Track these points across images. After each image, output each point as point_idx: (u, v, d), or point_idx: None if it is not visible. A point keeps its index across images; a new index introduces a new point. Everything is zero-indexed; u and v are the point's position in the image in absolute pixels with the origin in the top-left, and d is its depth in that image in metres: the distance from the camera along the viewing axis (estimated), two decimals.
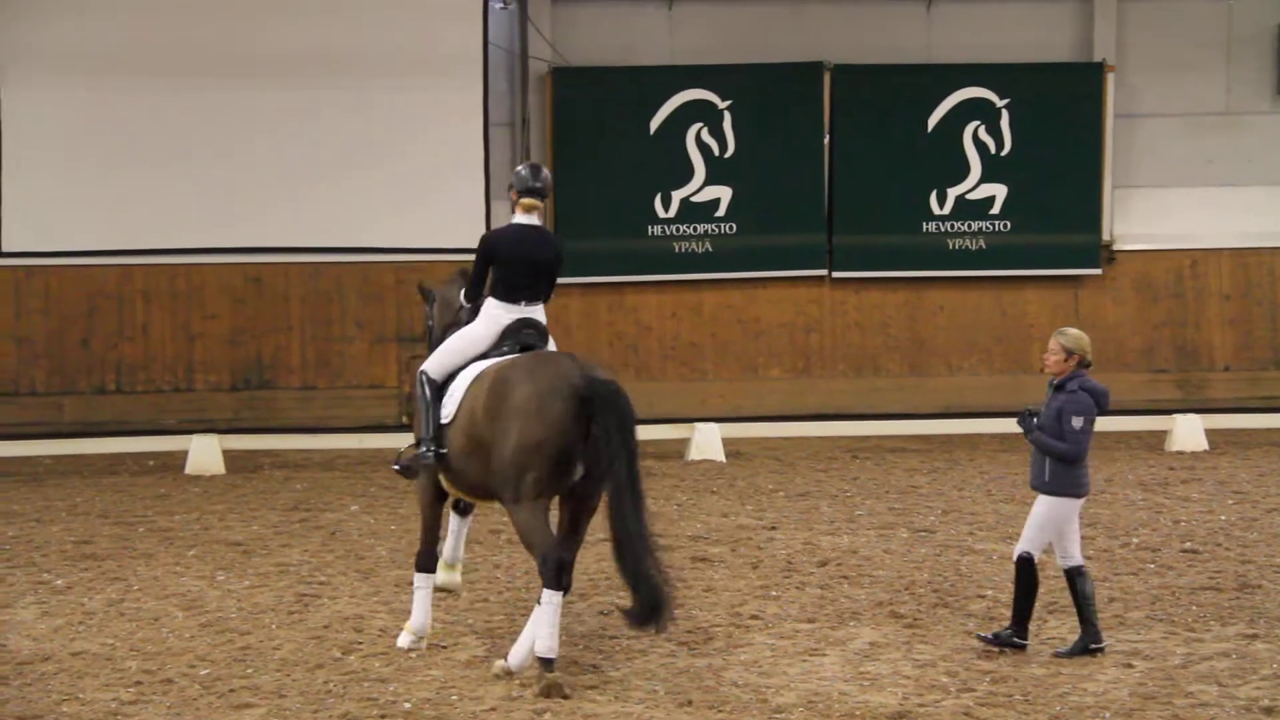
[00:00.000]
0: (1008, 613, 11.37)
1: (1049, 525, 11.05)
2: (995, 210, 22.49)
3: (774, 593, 12.88)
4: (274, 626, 11.95)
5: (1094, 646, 11.01)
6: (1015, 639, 11.12)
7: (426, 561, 11.54)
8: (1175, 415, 20.35)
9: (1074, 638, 11.37)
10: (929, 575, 13.40)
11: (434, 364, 11.42)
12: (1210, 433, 20.06)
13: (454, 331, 11.53)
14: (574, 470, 10.50)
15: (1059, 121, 22.41)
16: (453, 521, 12.00)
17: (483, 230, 21.38)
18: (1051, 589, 12.77)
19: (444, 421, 11.09)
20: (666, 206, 22.12)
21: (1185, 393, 22.67)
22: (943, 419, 20.90)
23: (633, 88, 22.10)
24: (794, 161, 22.24)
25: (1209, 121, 22.93)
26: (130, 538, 15.32)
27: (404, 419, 21.92)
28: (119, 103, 21.10)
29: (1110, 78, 22.47)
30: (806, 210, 22.29)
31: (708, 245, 22.23)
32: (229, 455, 19.29)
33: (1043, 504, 11.05)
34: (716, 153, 22.21)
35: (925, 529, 15.35)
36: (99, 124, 21.10)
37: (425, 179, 21.54)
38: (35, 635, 11.77)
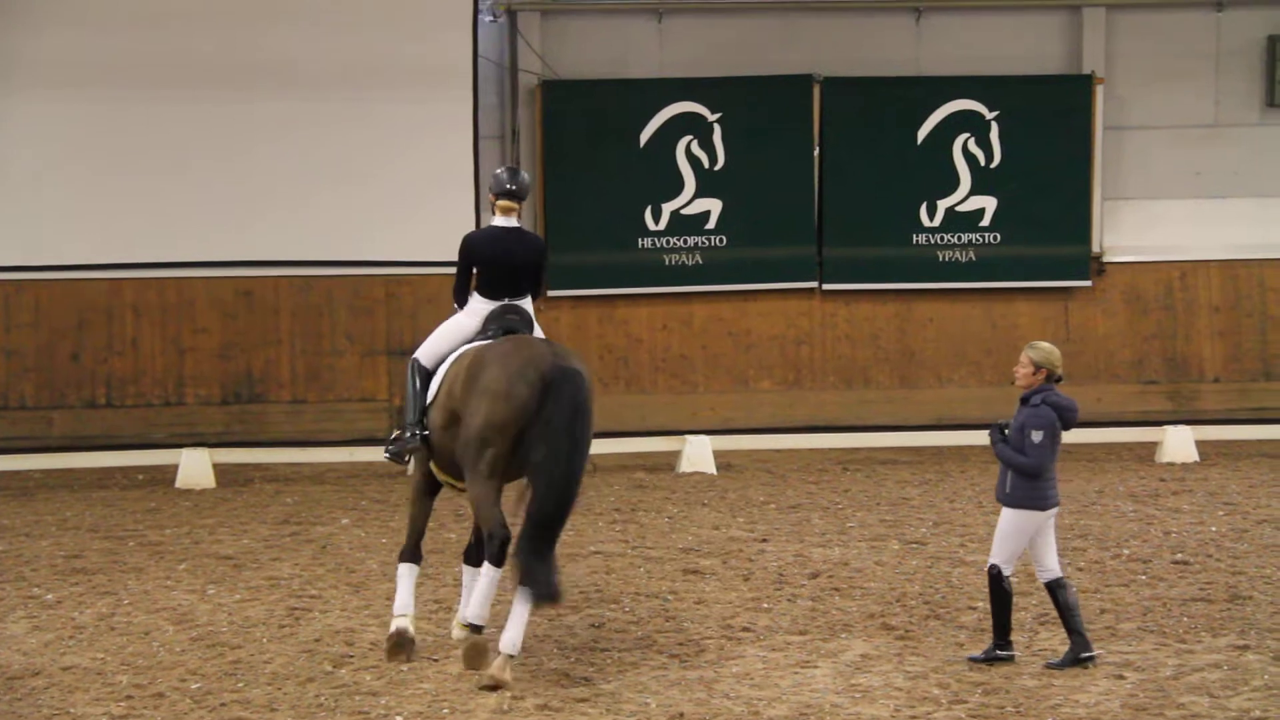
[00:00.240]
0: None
1: (1012, 537, 11.07)
2: (985, 222, 22.49)
3: (765, 605, 12.88)
4: (265, 640, 11.93)
5: (1084, 656, 11.01)
6: (999, 652, 11.13)
7: (411, 555, 11.80)
8: (1165, 427, 20.36)
9: (1065, 649, 11.37)
10: (920, 587, 13.41)
11: (424, 351, 11.92)
12: (1200, 444, 20.07)
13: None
14: (536, 452, 10.85)
15: (1048, 133, 22.43)
16: (465, 575, 11.91)
17: None
18: (1042, 600, 12.78)
19: (428, 403, 11.63)
20: (657, 219, 22.12)
21: (1175, 404, 22.68)
22: (933, 431, 20.89)
23: (622, 100, 22.10)
24: (784, 174, 22.24)
25: (1198, 133, 22.96)
26: (120, 552, 15.29)
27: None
28: (108, 116, 21.07)
29: (1099, 90, 22.49)
30: (797, 223, 22.29)
31: (698, 258, 22.23)
32: (219, 469, 19.26)
33: (1005, 516, 11.11)
34: (706, 165, 22.21)
35: (916, 541, 15.35)
36: (88, 137, 21.06)
37: (415, 192, 21.52)
38: (25, 650, 11.74)
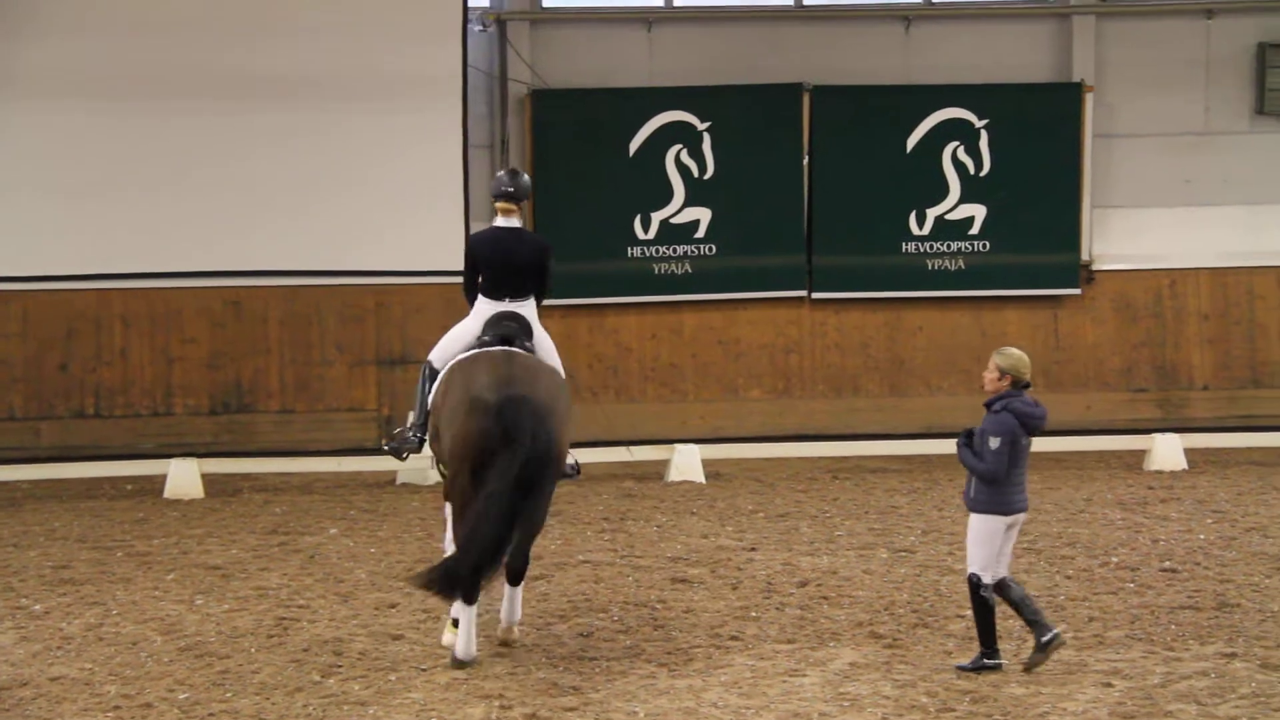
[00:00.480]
0: None
1: (981, 543, 11.10)
2: (974, 230, 22.52)
3: (754, 614, 12.87)
4: (253, 650, 11.92)
5: (1047, 640, 11.01)
6: (987, 661, 11.13)
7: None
8: (1154, 434, 20.37)
9: (1053, 656, 11.38)
10: (909, 595, 13.41)
11: (436, 353, 12.26)
12: (1189, 452, 20.08)
13: None
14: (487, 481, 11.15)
15: (1038, 142, 22.45)
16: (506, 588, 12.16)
17: (460, 252, 21.43)
18: None
19: (429, 407, 11.98)
20: (646, 228, 22.13)
21: (1164, 412, 22.70)
22: (922, 439, 20.87)
23: (612, 109, 22.11)
24: (773, 183, 22.25)
25: (1188, 141, 22.99)
26: (108, 562, 15.27)
27: (383, 442, 21.87)
28: (96, 127, 21.03)
29: (1089, 98, 22.51)
30: (786, 231, 22.30)
31: (687, 267, 22.23)
32: (208, 479, 19.24)
33: (971, 522, 11.17)
34: (696, 174, 22.22)
35: (905, 549, 15.35)
36: (76, 148, 21.02)
37: (404, 202, 21.50)
38: (13, 660, 11.72)
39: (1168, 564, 14.44)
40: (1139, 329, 22.95)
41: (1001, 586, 11.15)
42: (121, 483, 19.79)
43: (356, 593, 13.82)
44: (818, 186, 22.30)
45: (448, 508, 12.02)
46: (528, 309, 12.06)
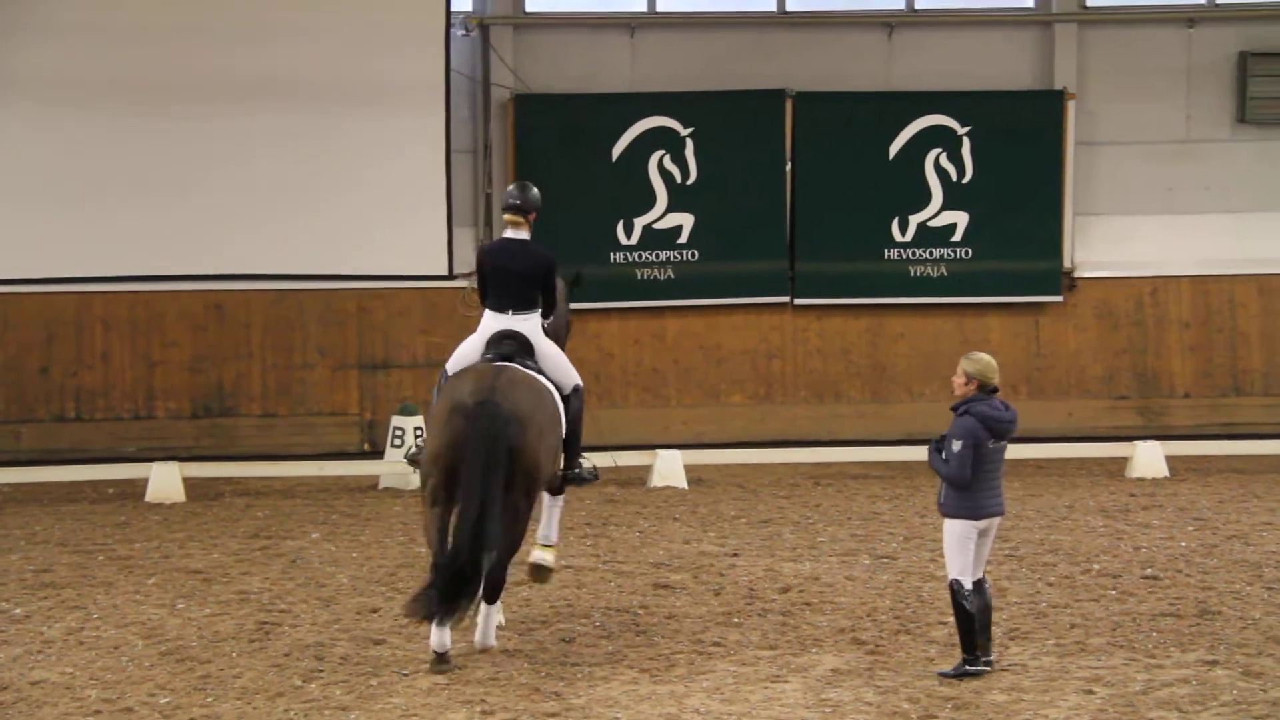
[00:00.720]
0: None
1: (956, 548, 11.17)
2: (957, 237, 22.55)
3: (736, 620, 12.87)
4: (234, 654, 11.89)
5: (972, 667, 11.11)
6: (969, 667, 11.15)
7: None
8: (1136, 442, 20.39)
9: (1035, 663, 11.42)
10: (891, 602, 13.41)
11: (450, 363, 12.45)
12: (1171, 459, 20.11)
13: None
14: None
15: (1020, 149, 22.50)
16: (545, 499, 12.66)
17: (444, 256, 21.56)
18: (1013, 615, 12.83)
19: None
20: (629, 233, 22.14)
21: (1146, 419, 22.75)
22: (904, 445, 20.87)
23: (595, 115, 22.11)
24: (756, 189, 22.28)
25: (1169, 149, 23.05)
26: (89, 566, 15.22)
27: (365, 446, 21.88)
28: (77, 131, 21.00)
29: (1071, 105, 22.56)
30: (768, 237, 22.33)
31: (670, 272, 22.25)
32: (189, 483, 19.18)
33: (945, 528, 11.26)
34: (679, 180, 22.24)
35: (887, 555, 15.36)
36: (57, 152, 20.99)
37: (387, 206, 21.50)
38: None
39: (1149, 571, 14.46)
40: (1120, 336, 23.00)
41: (974, 588, 11.19)
42: (103, 486, 19.72)
43: (338, 597, 13.79)
44: (800, 193, 22.33)
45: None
46: (530, 322, 12.29)
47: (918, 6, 22.91)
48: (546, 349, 12.37)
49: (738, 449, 21.13)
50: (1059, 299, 22.79)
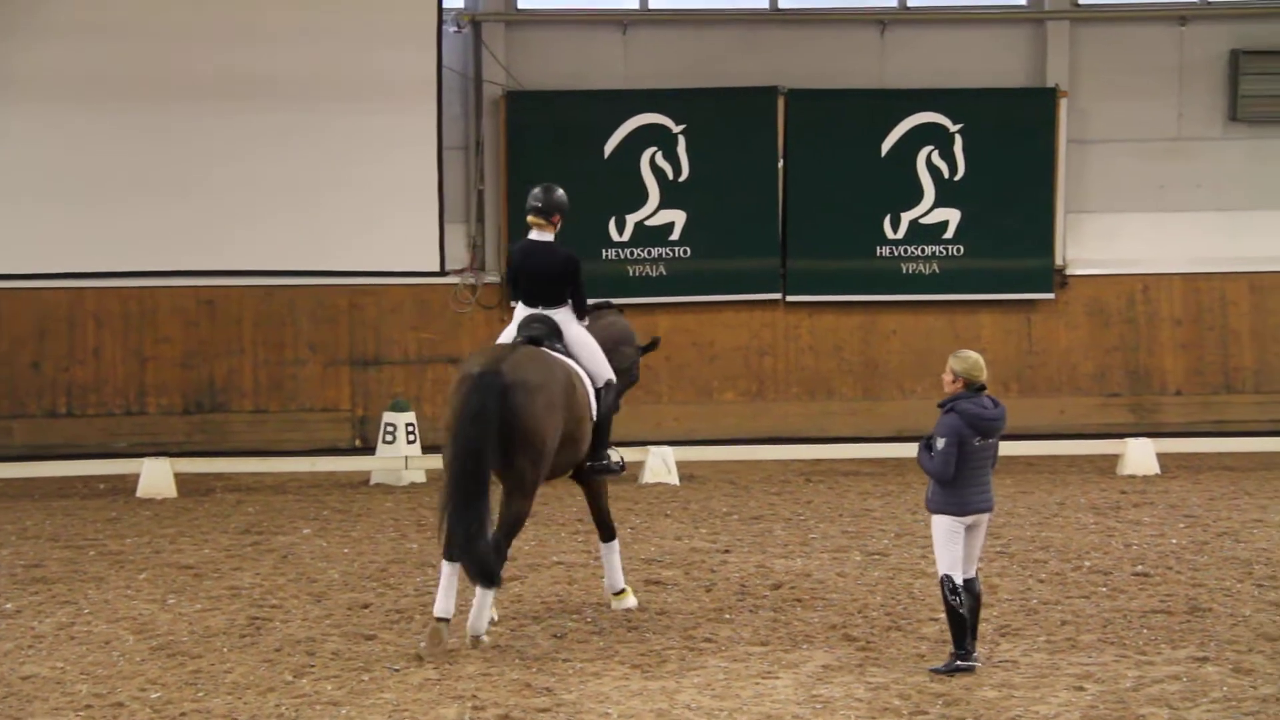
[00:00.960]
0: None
1: (944, 543, 11.22)
2: (949, 235, 22.56)
3: (727, 616, 12.88)
4: (225, 650, 11.89)
5: (962, 663, 11.15)
6: (959, 662, 11.17)
7: None
8: (1127, 439, 20.39)
9: (1026, 660, 11.43)
10: (882, 598, 13.43)
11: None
12: (1162, 456, 20.12)
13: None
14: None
15: (1012, 146, 22.50)
16: (601, 547, 13.18)
17: (435, 253, 21.56)
18: (1004, 611, 12.84)
19: None
20: (621, 230, 22.13)
21: (1137, 416, 22.77)
22: (896, 443, 20.87)
23: (587, 111, 22.10)
24: (748, 186, 22.27)
25: (1161, 147, 23.05)
26: (80, 561, 15.21)
27: (356, 442, 21.88)
28: (70, 128, 20.98)
29: (1063, 103, 22.57)
30: (761, 234, 22.32)
31: (662, 269, 22.25)
32: (180, 478, 19.17)
33: (932, 523, 11.32)
34: (671, 177, 22.24)
35: (878, 552, 15.37)
36: (50, 148, 20.98)
37: (379, 202, 21.49)
38: None
39: (1140, 568, 14.48)
40: (1112, 334, 23.02)
41: (965, 585, 11.22)
42: (94, 482, 19.72)
43: (329, 593, 13.79)
44: (792, 190, 22.33)
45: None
46: (559, 315, 12.71)
47: (910, 4, 22.90)
48: (580, 338, 12.76)
49: (729, 445, 21.13)
50: (1051, 296, 22.80)
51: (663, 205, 22.22)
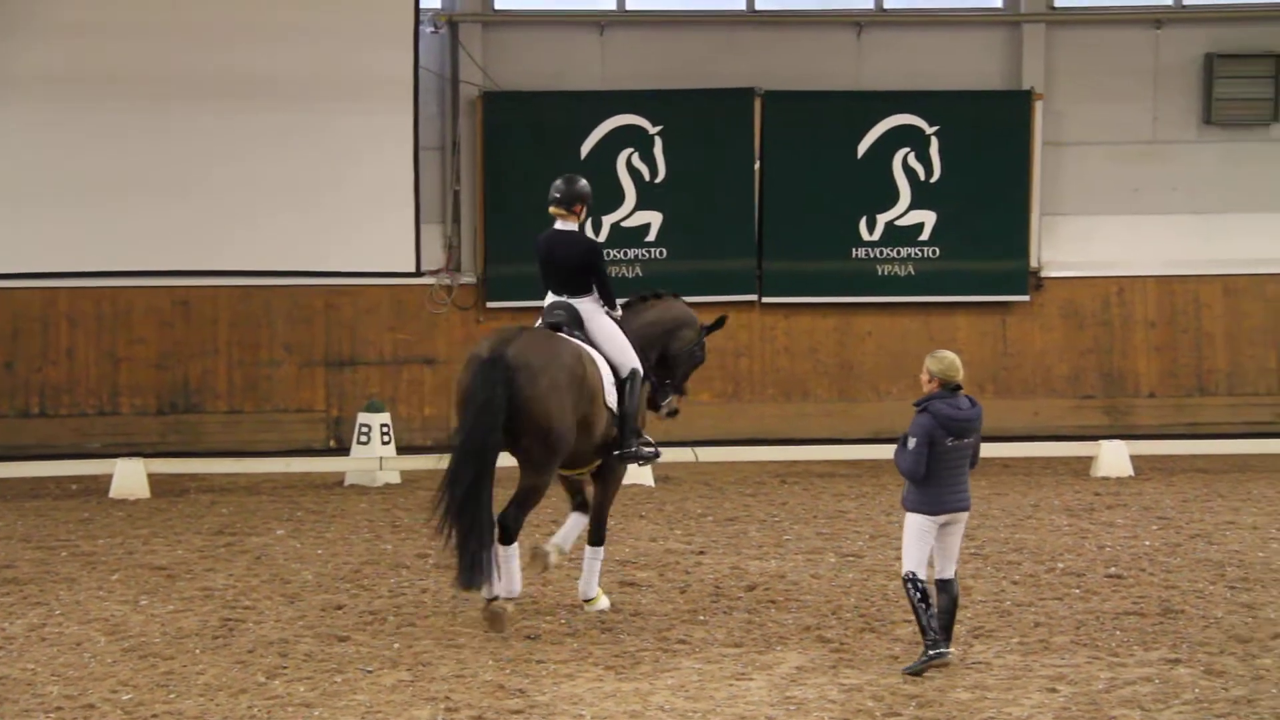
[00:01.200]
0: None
1: (913, 541, 11.27)
2: (924, 237, 22.59)
3: (701, 617, 12.88)
4: (198, 651, 11.86)
5: (934, 654, 11.17)
6: (931, 652, 11.19)
7: (576, 506, 13.40)
8: (1101, 441, 20.44)
9: (999, 661, 11.45)
10: (856, 600, 13.43)
11: None
12: (1135, 459, 20.17)
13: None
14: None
15: (987, 149, 22.54)
16: (586, 551, 13.32)
17: (411, 254, 21.54)
18: (977, 613, 12.86)
19: None
20: (597, 231, 22.10)
21: (1111, 419, 22.83)
22: (871, 444, 20.90)
23: (564, 112, 22.09)
24: (725, 187, 22.28)
25: (1136, 150, 23.11)
26: (52, 562, 15.16)
27: (331, 443, 21.84)
28: (42, 128, 20.92)
29: (1038, 106, 22.62)
30: (737, 236, 22.34)
31: (638, 270, 22.24)
32: (154, 479, 19.12)
33: (905, 521, 11.36)
34: (647, 178, 22.24)
35: (853, 554, 15.38)
36: (21, 146, 20.91)
37: (355, 203, 21.45)
38: None
39: (1113, 570, 14.51)
40: (1086, 336, 23.07)
41: (942, 586, 11.25)
42: (67, 482, 19.66)
43: (303, 594, 13.76)
44: (769, 191, 22.34)
45: None
46: (585, 304, 12.98)
47: (887, 6, 22.93)
48: (604, 328, 13.03)
49: (704, 447, 21.09)
50: (1026, 298, 22.85)
51: (639, 206, 22.22)
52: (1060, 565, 14.74)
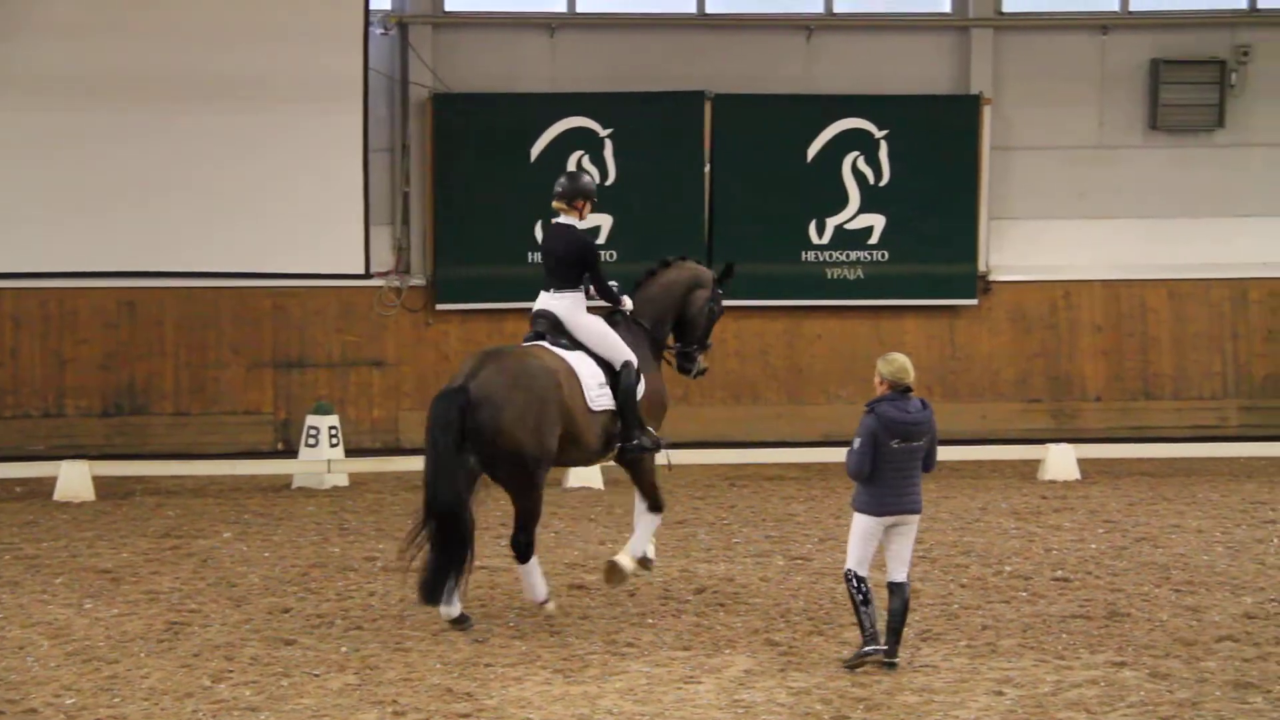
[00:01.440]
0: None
1: (857, 541, 11.41)
2: (873, 240, 22.65)
3: (650, 620, 12.87)
4: (143, 655, 11.78)
5: (872, 650, 11.29)
6: (866, 648, 11.29)
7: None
8: (1048, 445, 20.52)
9: (946, 664, 11.48)
10: (804, 603, 13.45)
11: None
12: (1082, 462, 20.26)
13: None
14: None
15: (936, 153, 22.61)
16: (637, 508, 13.64)
17: (360, 256, 21.47)
18: (925, 616, 12.89)
19: None
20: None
21: (1058, 422, 22.94)
22: (821, 447, 20.92)
23: (514, 115, 22.06)
24: (674, 190, 22.29)
25: (1083, 154, 23.23)
26: None
27: (278, 445, 21.74)
28: None
29: (986, 110, 22.71)
30: (687, 239, 22.25)
31: None
32: (99, 481, 18.99)
33: (852, 520, 11.45)
34: (597, 180, 22.20)
35: (801, 557, 15.40)
36: None
37: (303, 204, 21.37)
38: None
39: (1060, 573, 14.57)
40: (1034, 340, 23.17)
41: (894, 588, 11.30)
42: (10, 485, 19.48)
43: (249, 597, 13.69)
44: (718, 194, 22.36)
45: None
46: (567, 300, 13.10)
47: (836, 10, 22.99)
48: (587, 325, 13.16)
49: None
50: (974, 302, 22.93)
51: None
52: (1008, 568, 14.80)
